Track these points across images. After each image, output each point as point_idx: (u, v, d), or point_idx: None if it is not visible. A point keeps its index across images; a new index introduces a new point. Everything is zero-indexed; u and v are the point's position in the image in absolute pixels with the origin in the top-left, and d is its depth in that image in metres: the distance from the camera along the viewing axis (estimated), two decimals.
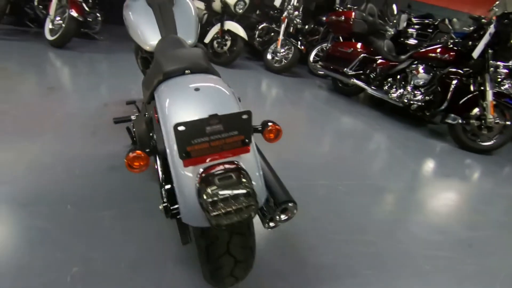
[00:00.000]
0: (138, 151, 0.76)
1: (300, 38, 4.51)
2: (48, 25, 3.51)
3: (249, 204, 0.67)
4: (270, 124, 0.92)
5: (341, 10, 3.98)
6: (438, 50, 2.98)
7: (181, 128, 0.63)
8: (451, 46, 2.94)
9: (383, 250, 1.37)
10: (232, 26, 3.98)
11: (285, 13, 4.26)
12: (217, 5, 4.17)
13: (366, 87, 3.51)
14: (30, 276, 0.97)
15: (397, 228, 1.55)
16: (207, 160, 0.71)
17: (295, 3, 4.29)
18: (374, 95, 3.47)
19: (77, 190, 1.39)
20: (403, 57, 3.31)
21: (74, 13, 3.33)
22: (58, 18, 3.46)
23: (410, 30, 4.61)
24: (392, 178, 2.08)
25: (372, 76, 3.52)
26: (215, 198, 0.65)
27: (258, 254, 1.09)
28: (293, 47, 4.27)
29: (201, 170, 0.70)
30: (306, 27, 4.99)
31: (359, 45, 3.57)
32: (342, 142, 2.57)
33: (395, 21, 4.36)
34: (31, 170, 1.45)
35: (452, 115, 2.74)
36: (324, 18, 4.67)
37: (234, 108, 0.81)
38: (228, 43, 4.07)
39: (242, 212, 0.67)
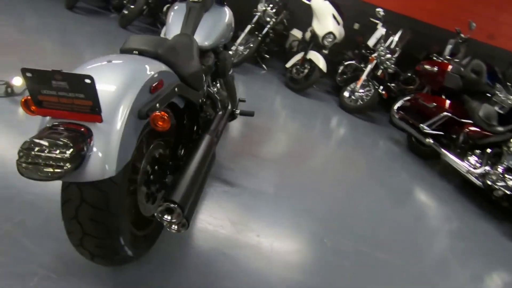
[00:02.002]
0: None
1: (389, 84, 4.13)
2: None
3: (62, 162, 0.65)
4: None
5: (437, 60, 3.45)
6: None
7: (28, 74, 0.68)
8: None
9: None
10: (314, 56, 3.97)
11: (375, 54, 3.98)
12: (308, 34, 4.26)
13: (442, 151, 2.88)
14: None
15: None
16: (58, 116, 0.73)
17: (391, 46, 3.97)
18: (450, 163, 2.82)
19: None
20: (502, 128, 2.60)
21: None
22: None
23: None
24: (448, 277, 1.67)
25: (454, 141, 2.88)
26: (28, 145, 0.66)
27: None
28: (373, 90, 3.93)
29: (49, 124, 0.73)
30: (402, 74, 4.52)
31: (447, 102, 2.99)
32: (396, 209, 2.19)
33: None
34: None
35: None
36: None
37: (125, 88, 0.82)
38: (306, 71, 4.08)
39: (53, 168, 0.66)
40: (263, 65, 4.77)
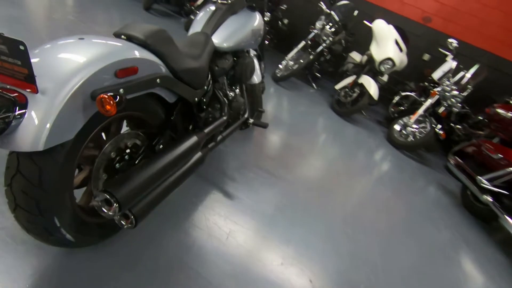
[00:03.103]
0: None
1: (454, 125, 3.60)
2: None
3: None
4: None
5: None
6: None
7: None
8: None
9: None
10: (366, 81, 3.68)
11: (439, 88, 3.51)
12: (364, 58, 3.99)
13: (502, 214, 2.34)
14: None
15: None
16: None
17: (461, 82, 3.46)
18: (510, 231, 2.27)
19: None
20: None
21: None
22: None
23: None
24: None
25: None
26: None
27: None
28: (429, 128, 3.45)
29: None
30: (473, 117, 3.90)
31: None
32: (427, 276, 1.79)
33: None
34: None
35: None
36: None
37: (80, 66, 0.79)
38: (354, 95, 3.79)
39: None
40: (313, 84, 4.60)
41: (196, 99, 1.31)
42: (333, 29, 4.07)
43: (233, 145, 2.23)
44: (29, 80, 0.69)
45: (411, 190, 2.87)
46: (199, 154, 1.35)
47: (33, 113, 0.72)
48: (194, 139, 1.25)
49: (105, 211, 0.87)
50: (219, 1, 1.63)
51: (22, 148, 0.71)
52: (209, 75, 1.47)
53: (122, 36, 1.01)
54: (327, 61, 4.57)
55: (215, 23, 1.55)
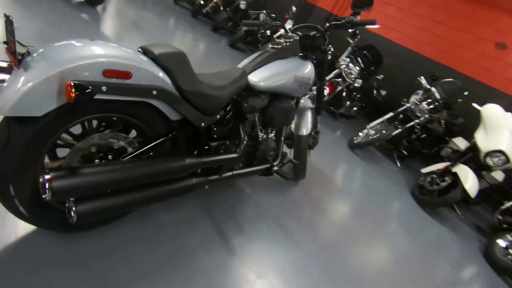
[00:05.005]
0: None
1: None
2: None
3: None
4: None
5: None
6: None
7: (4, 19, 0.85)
8: None
9: None
10: (463, 171, 2.97)
11: None
12: (462, 143, 3.28)
13: None
14: None
15: None
16: (7, 53, 0.86)
17: None
18: None
19: None
20: None
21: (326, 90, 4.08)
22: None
23: None
24: None
25: None
26: None
27: None
28: None
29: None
30: None
31: None
32: None
33: None
34: None
35: None
36: None
37: (69, 57, 0.88)
38: (443, 184, 3.08)
39: None
40: (397, 161, 4.03)
41: (203, 124, 1.29)
42: (431, 107, 3.58)
43: (260, 191, 2.06)
44: (13, 54, 0.81)
45: None
46: (191, 180, 1.28)
47: (10, 82, 0.82)
48: (182, 161, 1.20)
49: (42, 191, 0.87)
50: (270, 45, 1.66)
51: None
52: (229, 107, 1.44)
53: (139, 49, 1.11)
54: (419, 140, 3.98)
55: (257, 62, 1.56)
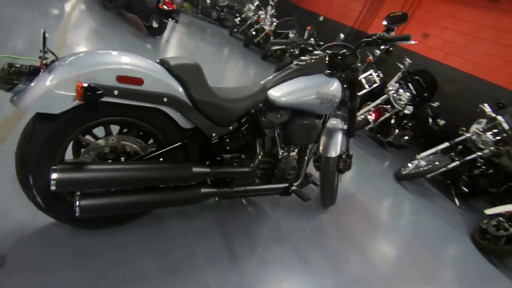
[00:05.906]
0: None
1: None
2: None
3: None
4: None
5: None
6: None
7: None
8: None
9: None
10: None
11: None
12: None
13: None
14: None
15: None
16: None
17: None
18: None
19: None
20: None
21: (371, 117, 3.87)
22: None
23: None
24: None
25: None
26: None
27: None
28: None
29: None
30: None
31: None
32: None
33: None
34: None
35: None
36: None
37: (88, 63, 0.99)
38: (511, 230, 2.56)
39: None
40: (456, 199, 3.51)
41: (214, 134, 1.30)
42: (497, 138, 3.10)
43: (282, 213, 1.96)
44: (41, 59, 0.93)
45: None
46: (198, 190, 1.28)
47: (34, 84, 0.94)
48: (188, 169, 1.21)
49: (50, 183, 0.95)
50: (295, 62, 1.65)
51: (18, 106, 0.93)
52: (244, 120, 1.44)
53: (157, 61, 1.20)
54: (485, 176, 3.44)
55: (279, 78, 1.56)
